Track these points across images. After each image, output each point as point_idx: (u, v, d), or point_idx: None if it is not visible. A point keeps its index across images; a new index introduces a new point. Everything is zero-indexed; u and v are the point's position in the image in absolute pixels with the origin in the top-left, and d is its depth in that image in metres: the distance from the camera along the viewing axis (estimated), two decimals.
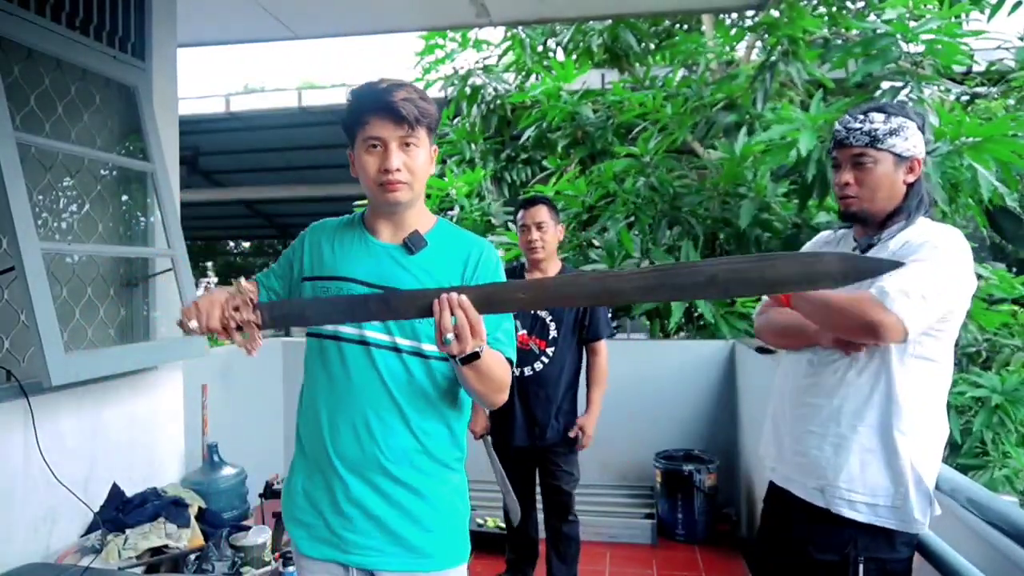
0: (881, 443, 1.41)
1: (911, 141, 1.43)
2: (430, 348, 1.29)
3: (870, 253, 1.46)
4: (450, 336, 1.11)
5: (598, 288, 1.17)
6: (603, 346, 2.67)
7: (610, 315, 5.46)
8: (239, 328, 1.20)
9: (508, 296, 1.20)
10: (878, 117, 1.44)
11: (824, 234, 1.69)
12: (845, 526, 1.43)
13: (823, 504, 1.46)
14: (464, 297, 1.12)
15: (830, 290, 1.32)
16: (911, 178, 1.46)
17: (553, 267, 2.64)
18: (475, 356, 1.17)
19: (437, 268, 1.33)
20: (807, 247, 1.71)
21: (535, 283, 1.25)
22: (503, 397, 1.31)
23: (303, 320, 1.26)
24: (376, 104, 1.23)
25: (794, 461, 1.54)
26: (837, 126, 1.52)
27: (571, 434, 2.61)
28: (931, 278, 1.34)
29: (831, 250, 1.57)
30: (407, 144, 1.25)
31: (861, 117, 1.46)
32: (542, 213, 2.60)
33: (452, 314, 1.11)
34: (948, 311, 1.38)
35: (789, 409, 1.57)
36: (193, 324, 1.19)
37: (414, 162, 1.26)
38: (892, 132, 1.43)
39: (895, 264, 1.15)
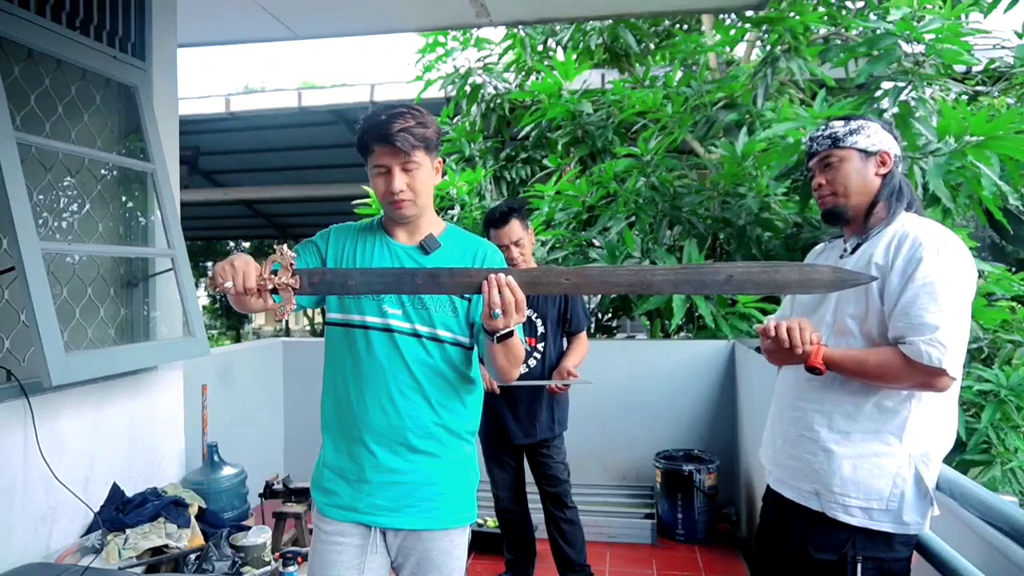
0: (874, 448, 1.41)
1: (874, 138, 1.51)
2: (444, 334, 1.46)
3: (860, 250, 1.51)
4: (498, 311, 1.27)
5: (634, 279, 1.34)
6: (584, 336, 2.75)
7: (610, 315, 5.48)
8: (273, 291, 1.25)
9: (552, 280, 1.36)
10: (837, 123, 1.56)
11: (818, 247, 1.76)
12: (843, 527, 1.44)
13: (818, 508, 1.47)
14: (511, 278, 1.28)
15: (876, 356, 1.39)
16: (883, 170, 1.52)
17: None
18: (510, 334, 1.33)
19: (450, 266, 1.47)
20: (807, 260, 1.77)
21: (578, 270, 1.36)
22: (518, 372, 1.47)
23: (345, 288, 1.36)
24: (377, 136, 1.40)
25: (788, 465, 1.55)
26: (804, 141, 1.60)
27: (557, 384, 2.59)
28: (950, 305, 1.34)
29: (823, 258, 1.65)
30: (408, 168, 1.41)
31: (823, 127, 1.57)
32: (516, 230, 2.54)
33: (500, 292, 1.27)
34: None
35: (785, 412, 1.59)
36: (228, 284, 1.23)
37: (415, 182, 1.43)
38: (852, 132, 1.52)
39: (872, 278, 1.34)
